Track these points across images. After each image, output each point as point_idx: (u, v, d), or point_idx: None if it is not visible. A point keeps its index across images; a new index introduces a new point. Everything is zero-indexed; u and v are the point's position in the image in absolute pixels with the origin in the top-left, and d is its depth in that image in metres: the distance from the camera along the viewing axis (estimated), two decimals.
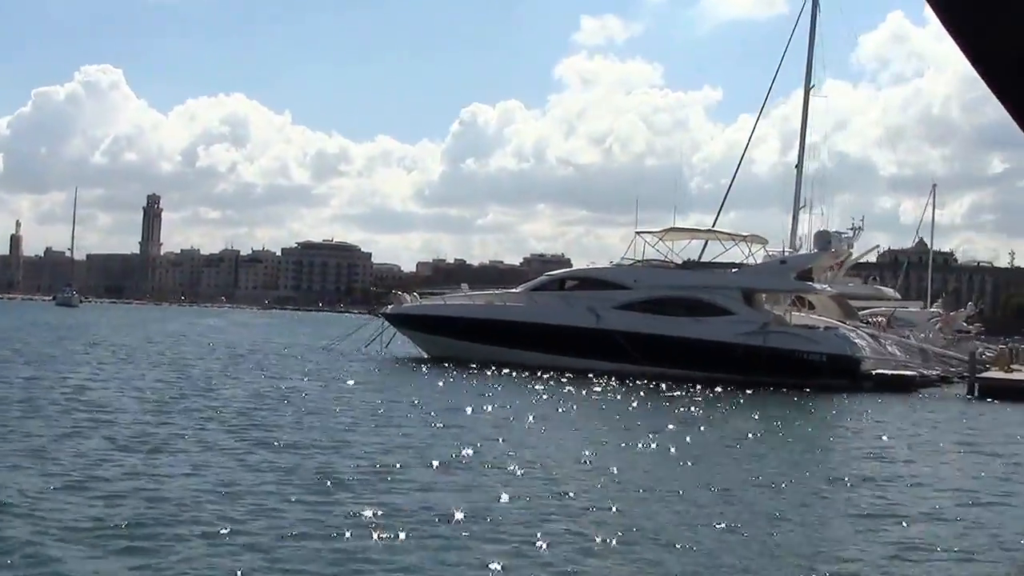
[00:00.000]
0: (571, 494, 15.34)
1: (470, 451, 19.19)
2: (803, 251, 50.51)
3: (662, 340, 43.52)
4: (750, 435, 24.47)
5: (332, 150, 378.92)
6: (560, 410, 28.21)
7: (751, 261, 47.68)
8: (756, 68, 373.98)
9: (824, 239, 46.80)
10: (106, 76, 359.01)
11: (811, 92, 56.89)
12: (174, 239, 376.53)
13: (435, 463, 17.67)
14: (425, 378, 38.46)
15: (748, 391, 37.52)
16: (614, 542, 12.37)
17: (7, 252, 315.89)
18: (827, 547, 12.65)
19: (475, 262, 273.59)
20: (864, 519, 14.43)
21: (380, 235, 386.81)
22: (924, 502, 16.09)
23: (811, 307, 51.30)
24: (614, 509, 14.37)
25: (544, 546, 11.99)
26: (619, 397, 34.09)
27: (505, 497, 14.73)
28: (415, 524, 12.89)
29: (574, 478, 16.94)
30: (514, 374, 40.38)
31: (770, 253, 48.79)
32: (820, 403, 35.75)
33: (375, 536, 12.20)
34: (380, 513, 13.37)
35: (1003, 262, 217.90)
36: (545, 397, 31.95)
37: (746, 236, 48.26)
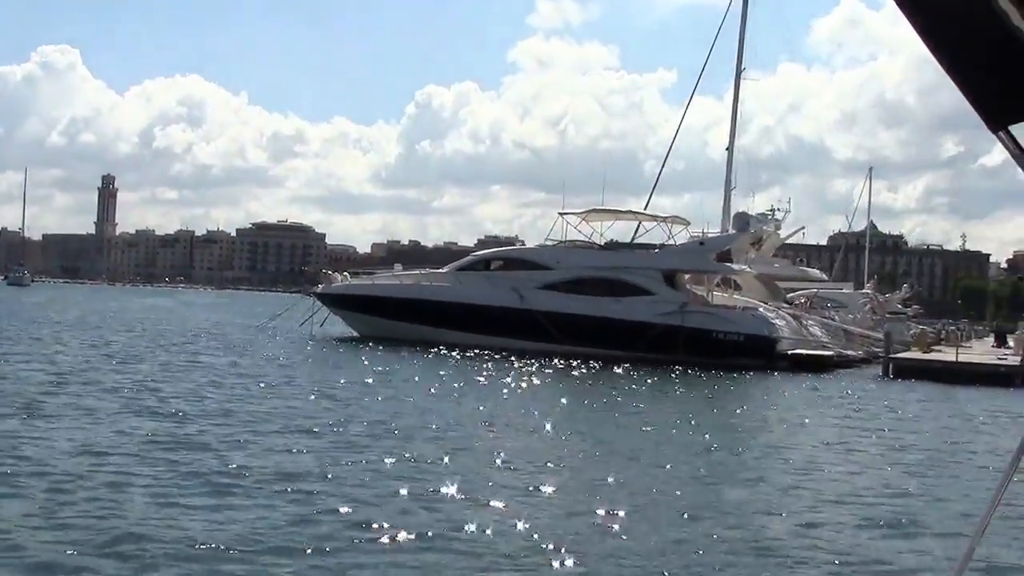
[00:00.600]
0: (419, 460, 16.33)
1: (343, 420, 20.26)
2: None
3: (583, 320, 44.58)
4: (629, 409, 25.60)
5: (288, 131, 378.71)
6: (454, 387, 29.04)
7: (675, 242, 48.74)
8: (711, 50, 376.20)
9: (743, 220, 48.08)
10: (63, 56, 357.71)
11: (742, 76, 58.25)
12: (131, 220, 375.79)
13: (303, 430, 18.71)
14: (336, 356, 39.51)
15: (658, 369, 38.64)
16: (440, 492, 13.49)
17: None
18: (622, 503, 13.75)
19: (431, 243, 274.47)
20: (673, 481, 15.57)
21: (337, 216, 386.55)
22: (742, 470, 17.26)
23: (737, 287, 52.74)
24: (452, 469, 15.47)
25: (361, 503, 12.99)
26: (511, 375, 34.90)
27: (352, 461, 15.78)
28: (252, 480, 13.98)
29: (431, 447, 17.90)
30: (430, 353, 41.20)
31: (693, 234, 49.83)
32: (718, 381, 36.72)
33: (209, 489, 13.28)
34: (223, 471, 14.46)
35: (955, 245, 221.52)
36: (446, 375, 32.87)
37: (666, 217, 49.42)
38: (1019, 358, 43.93)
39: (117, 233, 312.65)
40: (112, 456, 15.22)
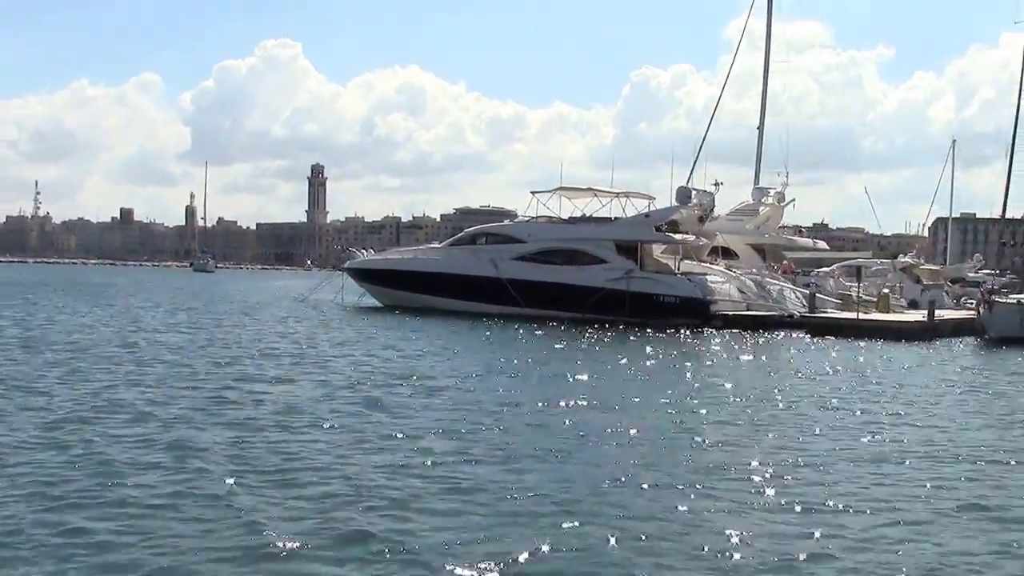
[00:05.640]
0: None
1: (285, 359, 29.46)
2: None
3: (541, 286, 52.97)
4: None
5: (507, 116, 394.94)
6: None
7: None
8: (930, 24, 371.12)
9: (685, 194, 54.77)
10: (285, 50, 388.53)
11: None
12: (352, 207, 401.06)
13: (226, 362, 27.65)
14: (323, 316, 49.59)
15: (598, 328, 46.05)
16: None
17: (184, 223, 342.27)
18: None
19: None
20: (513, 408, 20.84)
21: None
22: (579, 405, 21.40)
23: (734, 256, 60.10)
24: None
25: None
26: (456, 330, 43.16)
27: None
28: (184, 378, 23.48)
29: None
30: (416, 316, 50.49)
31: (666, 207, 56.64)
32: (637, 338, 42.88)
33: (128, 390, 21.35)
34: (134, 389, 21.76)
35: None
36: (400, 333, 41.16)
37: (620, 193, 56.97)
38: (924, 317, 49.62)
39: (328, 220, 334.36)
40: (48, 386, 24.23)
